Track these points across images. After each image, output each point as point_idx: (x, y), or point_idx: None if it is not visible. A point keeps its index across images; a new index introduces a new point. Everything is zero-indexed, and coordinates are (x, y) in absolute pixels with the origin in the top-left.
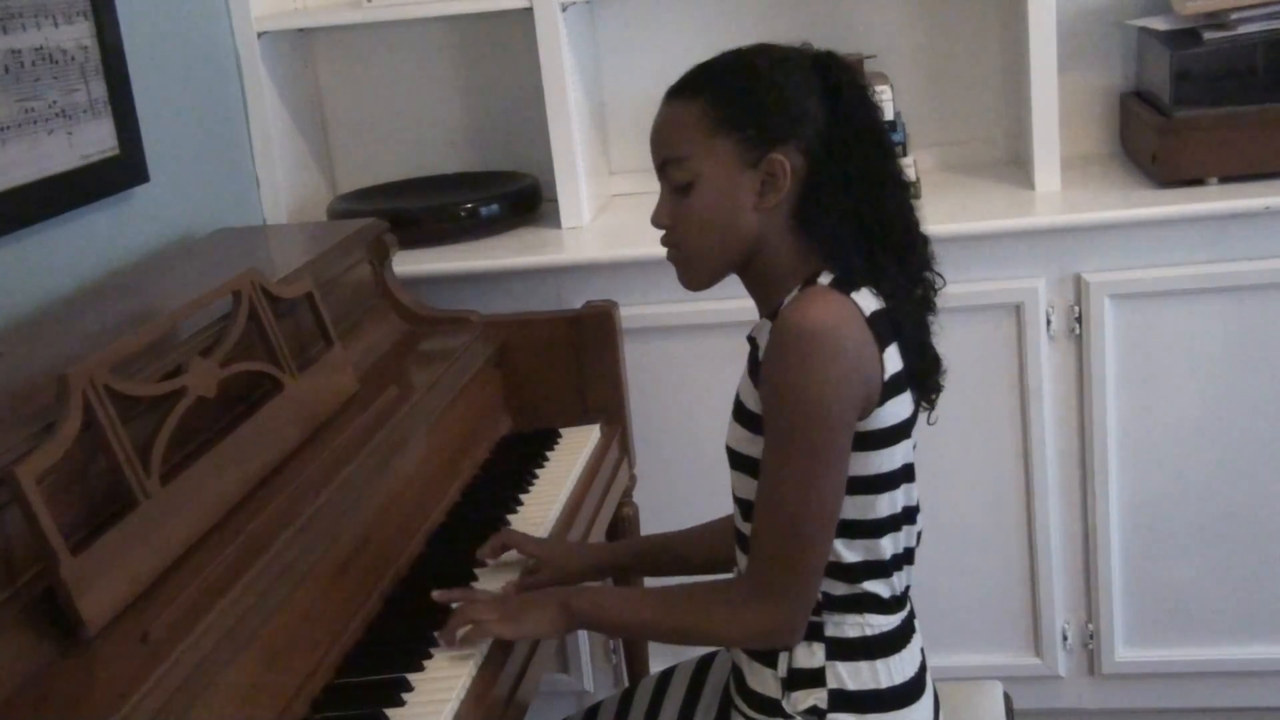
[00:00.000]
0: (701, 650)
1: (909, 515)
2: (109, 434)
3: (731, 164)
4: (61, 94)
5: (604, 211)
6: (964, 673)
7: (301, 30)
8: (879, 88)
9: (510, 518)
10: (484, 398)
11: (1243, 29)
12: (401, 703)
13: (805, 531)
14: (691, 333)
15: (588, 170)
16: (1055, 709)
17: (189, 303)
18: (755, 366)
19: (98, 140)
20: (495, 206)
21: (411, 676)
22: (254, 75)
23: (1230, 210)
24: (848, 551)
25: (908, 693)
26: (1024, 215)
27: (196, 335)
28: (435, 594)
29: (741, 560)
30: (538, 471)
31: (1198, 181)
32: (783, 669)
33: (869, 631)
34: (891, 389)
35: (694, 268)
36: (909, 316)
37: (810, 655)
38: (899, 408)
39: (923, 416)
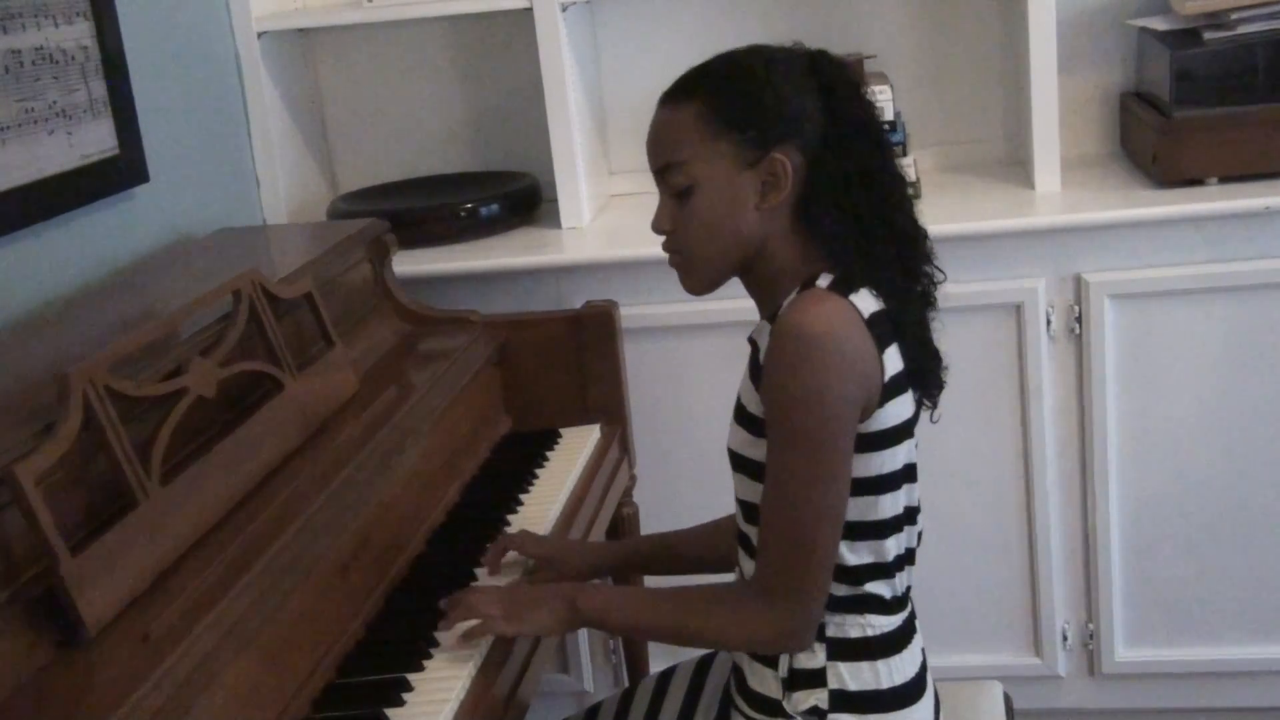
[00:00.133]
0: (701, 650)
1: (911, 516)
2: (109, 434)
3: (732, 166)
4: (61, 94)
5: (604, 211)
6: (964, 673)
7: (301, 30)
8: (879, 88)
9: (510, 518)
10: (484, 398)
11: (1243, 29)
12: (401, 703)
13: (812, 535)
14: (691, 333)
15: (588, 170)
16: (1055, 709)
17: (189, 303)
18: (756, 368)
19: (98, 140)
20: (495, 206)
21: (411, 676)
22: (254, 75)
23: (1230, 210)
24: (850, 553)
25: (908, 693)
26: (1024, 215)
27: (196, 335)
28: (444, 602)
29: (744, 562)
30: (538, 471)
31: (1198, 181)
32: (783, 669)
33: (870, 632)
34: (892, 390)
35: (697, 272)
36: (909, 314)
37: (811, 655)
38: (900, 408)
39: (925, 415)
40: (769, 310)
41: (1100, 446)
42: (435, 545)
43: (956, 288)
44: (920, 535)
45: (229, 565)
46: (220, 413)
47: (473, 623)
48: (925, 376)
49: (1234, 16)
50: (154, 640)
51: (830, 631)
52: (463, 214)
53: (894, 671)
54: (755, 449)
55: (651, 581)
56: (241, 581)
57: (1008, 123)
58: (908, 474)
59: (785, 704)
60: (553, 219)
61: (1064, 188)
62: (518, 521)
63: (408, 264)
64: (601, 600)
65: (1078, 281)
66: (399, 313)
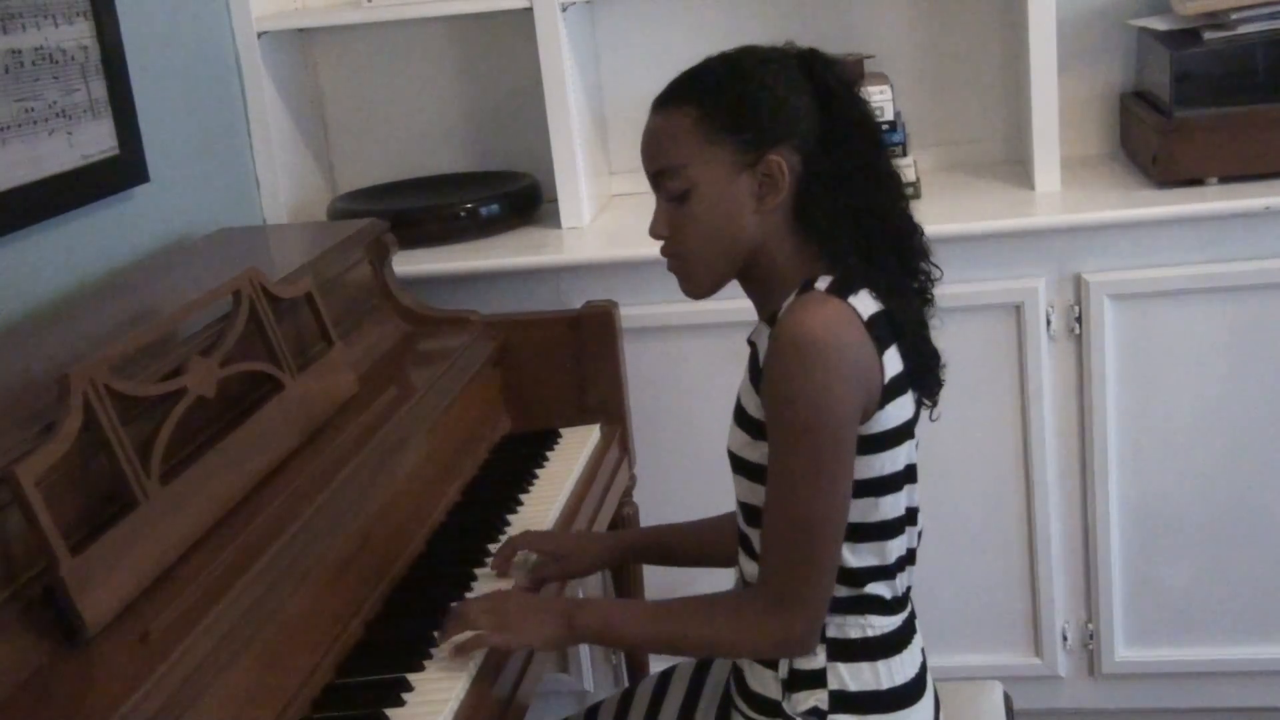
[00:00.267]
0: None
1: (912, 517)
2: (109, 434)
3: (728, 169)
4: (61, 94)
5: (604, 211)
6: (964, 673)
7: (301, 30)
8: (879, 88)
9: (510, 518)
10: (484, 398)
11: (1243, 29)
12: (401, 703)
13: (815, 541)
14: (691, 333)
15: (588, 170)
16: (1055, 709)
17: (189, 303)
18: (755, 370)
19: (98, 140)
20: (495, 206)
21: (411, 676)
22: (254, 75)
23: (1230, 210)
24: (852, 555)
25: (908, 693)
26: (1024, 215)
27: (196, 335)
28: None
29: (745, 563)
30: (538, 471)
31: (1198, 181)
32: (783, 670)
33: (870, 632)
34: (892, 391)
35: (696, 276)
36: (908, 314)
37: (811, 656)
38: (900, 410)
39: (925, 414)
40: (767, 312)
41: (1100, 446)
42: (435, 545)
43: (956, 288)
44: (920, 535)
45: (229, 565)
46: (220, 413)
47: (467, 634)
48: (925, 376)
49: (1234, 16)
50: (154, 640)
51: (830, 632)
52: (463, 214)
53: (894, 672)
54: (755, 451)
55: (653, 581)
56: (241, 581)
57: (1008, 123)
58: (909, 475)
59: (785, 705)
60: (553, 219)
61: (1064, 188)
62: (518, 521)
63: (408, 264)
64: (599, 615)
65: (1078, 281)
66: (399, 313)
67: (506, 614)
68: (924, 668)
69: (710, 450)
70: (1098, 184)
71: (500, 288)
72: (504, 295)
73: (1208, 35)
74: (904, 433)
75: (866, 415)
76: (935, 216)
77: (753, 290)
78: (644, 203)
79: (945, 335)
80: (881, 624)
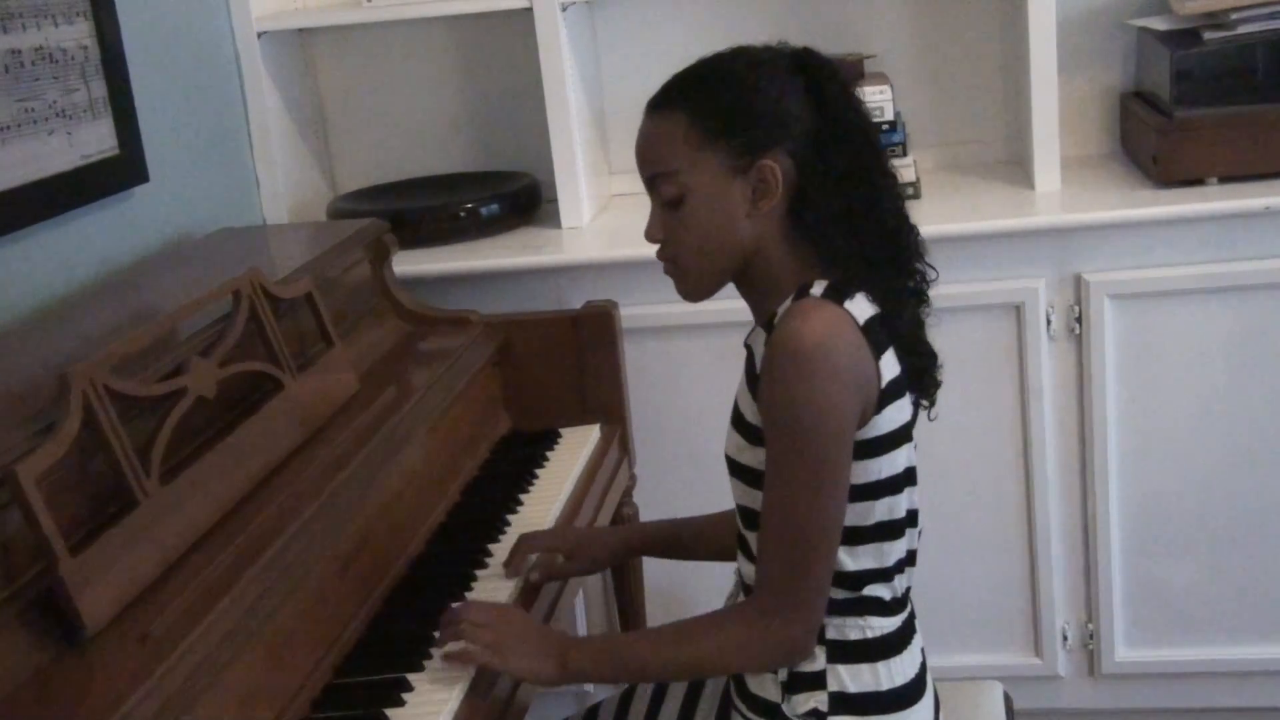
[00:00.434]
0: None
1: (912, 518)
2: (109, 434)
3: (721, 174)
4: (61, 94)
5: (604, 211)
6: (964, 673)
7: (301, 30)
8: (879, 88)
9: (510, 518)
10: (484, 398)
11: (1243, 29)
12: (401, 703)
13: (811, 549)
14: (691, 333)
15: (588, 170)
16: (1055, 709)
17: (189, 303)
18: (752, 375)
19: (98, 140)
20: (495, 206)
21: (411, 676)
22: (254, 75)
23: (1230, 210)
24: (850, 559)
25: (908, 694)
26: (1024, 215)
27: (196, 335)
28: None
29: (743, 565)
30: (538, 471)
31: (1198, 181)
32: (783, 673)
33: (870, 634)
34: (889, 395)
35: (691, 280)
36: (904, 316)
37: (811, 658)
38: (897, 413)
39: (924, 415)
40: (764, 316)
41: (1100, 446)
42: (435, 545)
43: (957, 288)
44: (919, 535)
45: (229, 565)
46: (220, 413)
47: (460, 646)
48: (922, 377)
49: (1234, 16)
50: (154, 640)
51: (830, 634)
52: (463, 214)
53: (894, 673)
54: (752, 456)
55: (652, 582)
56: (241, 581)
57: (1008, 123)
58: (908, 477)
59: (784, 707)
60: (553, 219)
61: (1064, 188)
62: (517, 521)
63: (408, 264)
64: (595, 655)
65: (1078, 281)
66: (399, 313)
67: (503, 636)
68: (924, 668)
69: (710, 450)
70: (1098, 184)
71: (500, 288)
72: (504, 295)
73: (1208, 35)
74: (902, 436)
75: (864, 420)
76: (935, 216)
77: (748, 294)
78: (644, 202)
79: (945, 335)
80: (881, 625)
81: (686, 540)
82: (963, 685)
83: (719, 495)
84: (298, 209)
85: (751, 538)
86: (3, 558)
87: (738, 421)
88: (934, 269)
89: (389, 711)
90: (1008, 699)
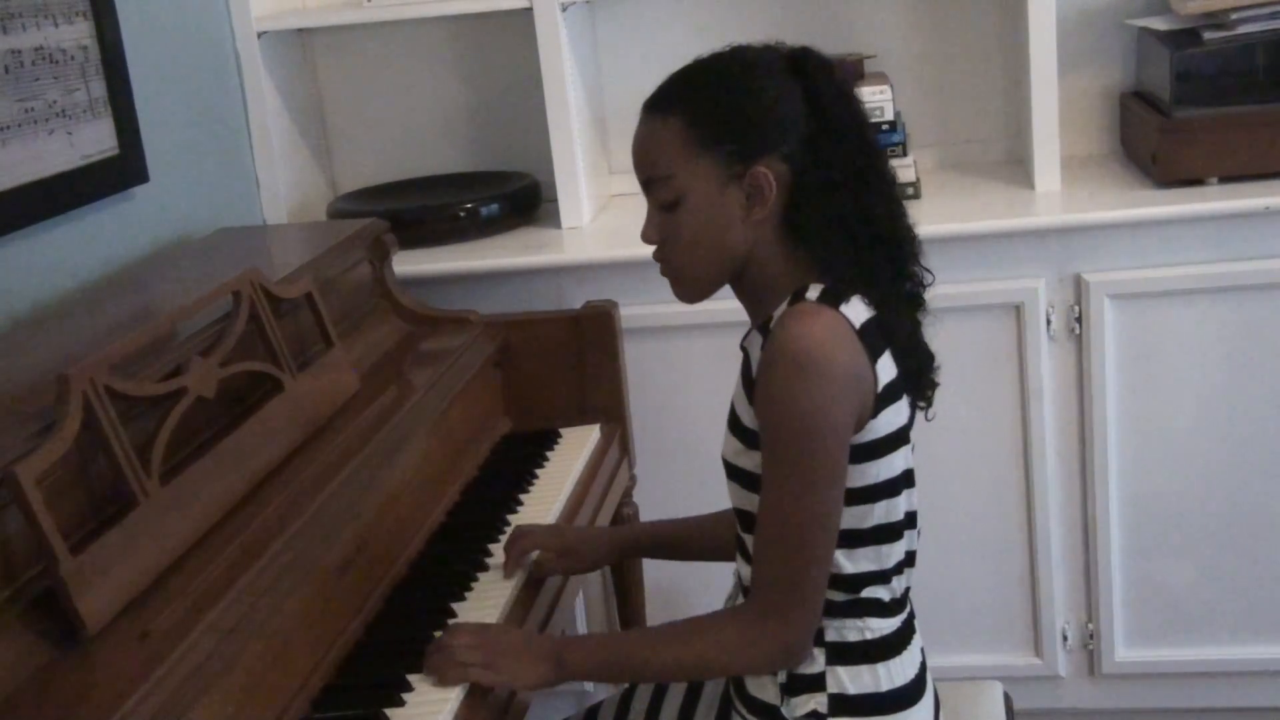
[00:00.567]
0: None
1: (911, 520)
2: (109, 434)
3: (715, 180)
4: (61, 94)
5: (604, 211)
6: (964, 673)
7: (301, 30)
8: (879, 88)
9: (510, 518)
10: (484, 398)
11: (1243, 29)
12: (401, 703)
13: (806, 551)
14: (691, 333)
15: (588, 170)
16: (1055, 709)
17: (189, 303)
18: (748, 378)
19: (98, 140)
20: (495, 206)
21: (411, 677)
22: (254, 75)
23: (1230, 210)
24: (848, 562)
25: (908, 695)
26: (1024, 215)
27: (196, 335)
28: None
29: (741, 567)
30: (538, 471)
31: (1198, 181)
32: (782, 675)
33: (869, 635)
34: (885, 399)
35: (687, 282)
36: (900, 319)
37: (810, 660)
38: (895, 416)
39: (922, 415)
40: (759, 319)
41: (1100, 446)
42: (435, 545)
43: (957, 288)
44: (917, 535)
45: (229, 565)
46: (220, 413)
47: (449, 668)
48: (919, 379)
49: (1234, 16)
50: (154, 640)
51: (829, 636)
52: (463, 214)
53: (893, 674)
54: (749, 459)
55: (652, 581)
56: (241, 581)
57: (1008, 123)
58: (906, 479)
59: (784, 709)
60: (553, 219)
61: (1064, 187)
62: (518, 521)
63: (408, 264)
64: (591, 654)
65: (1078, 281)
66: (399, 313)
67: (494, 651)
68: (923, 668)
69: (710, 451)
70: (1098, 184)
71: (500, 288)
72: (504, 295)
73: (1208, 35)
74: (899, 438)
75: (860, 424)
76: (935, 216)
77: (744, 297)
78: (643, 203)
79: (945, 335)
80: (880, 626)
81: (684, 541)
82: (963, 685)
83: (719, 495)
84: (298, 209)
85: (749, 540)
86: (3, 558)
87: (734, 425)
88: (930, 273)
89: (389, 711)
90: (1008, 699)
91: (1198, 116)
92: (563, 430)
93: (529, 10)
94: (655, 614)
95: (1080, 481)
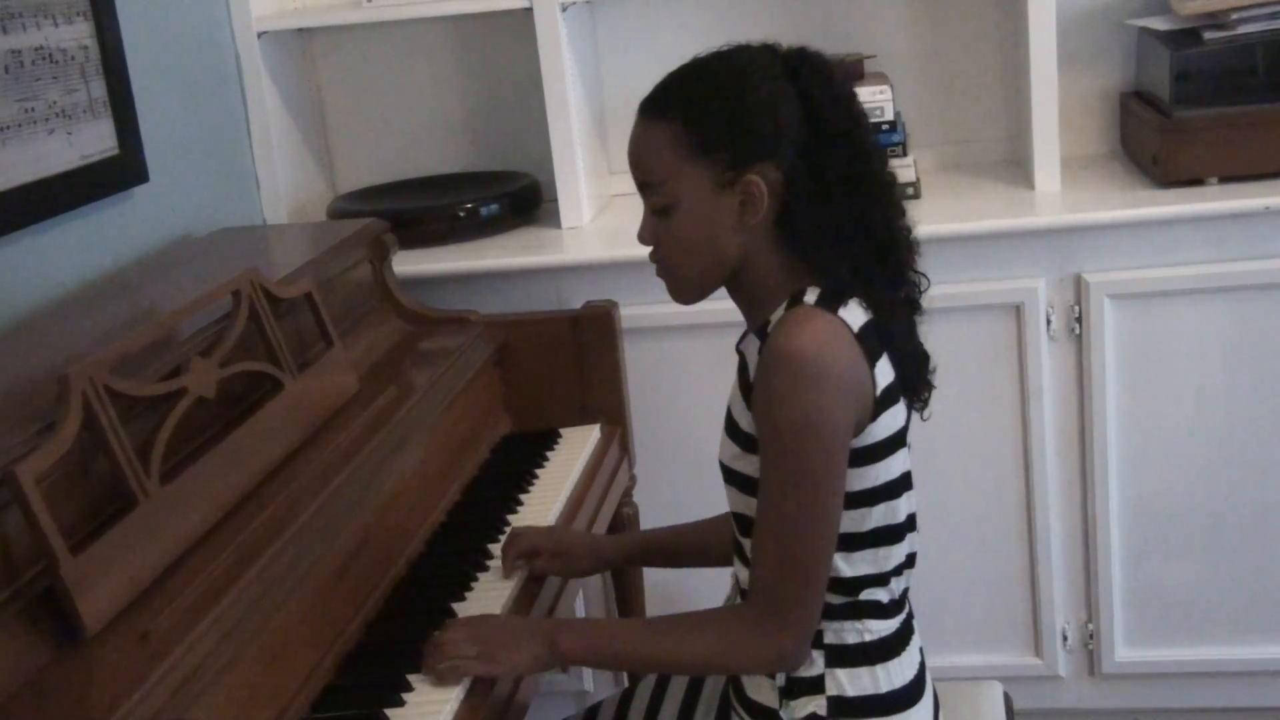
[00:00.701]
0: None
1: (911, 523)
2: (109, 434)
3: (708, 188)
4: (61, 94)
5: (604, 211)
6: (964, 673)
7: (301, 30)
8: (879, 88)
9: (510, 518)
10: (484, 398)
11: (1243, 29)
12: (401, 703)
13: (805, 556)
14: (691, 333)
15: (588, 170)
16: (1055, 709)
17: (189, 303)
18: (745, 382)
19: (98, 140)
20: (495, 206)
21: (412, 677)
22: (254, 75)
23: (1230, 210)
24: (846, 565)
25: (907, 696)
26: (1024, 215)
27: (196, 335)
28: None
29: (740, 571)
30: (538, 471)
31: (1198, 181)
32: (781, 678)
33: (868, 637)
34: (883, 402)
35: (681, 284)
36: (897, 321)
37: (809, 663)
38: (892, 419)
39: (919, 416)
40: (756, 322)
41: (1100, 446)
42: (435, 545)
43: (956, 288)
44: (916, 536)
45: (229, 565)
46: (220, 413)
47: (449, 664)
48: (916, 380)
49: (1234, 16)
50: (154, 640)
51: (828, 638)
52: (463, 214)
53: (892, 675)
54: (747, 463)
55: (651, 581)
56: (241, 581)
57: (1008, 123)
58: (905, 482)
59: (783, 712)
60: (553, 219)
61: (1064, 188)
62: (517, 521)
63: (408, 264)
64: (585, 636)
65: (1078, 281)
66: (399, 313)
67: (489, 641)
68: (923, 668)
69: (710, 451)
70: (1098, 184)
71: (500, 288)
72: (504, 295)
73: (1208, 35)
74: (897, 441)
75: (859, 428)
76: (935, 216)
77: (740, 300)
78: (643, 203)
79: (946, 335)
80: (879, 628)
81: (680, 548)
82: (963, 685)
83: (719, 496)
84: (298, 209)
85: (747, 544)
86: (3, 558)
87: (732, 429)
88: (926, 277)
89: (389, 711)
90: (1008, 699)
91: (1198, 116)
92: (563, 430)
93: (529, 10)
94: (655, 614)
95: (1080, 481)
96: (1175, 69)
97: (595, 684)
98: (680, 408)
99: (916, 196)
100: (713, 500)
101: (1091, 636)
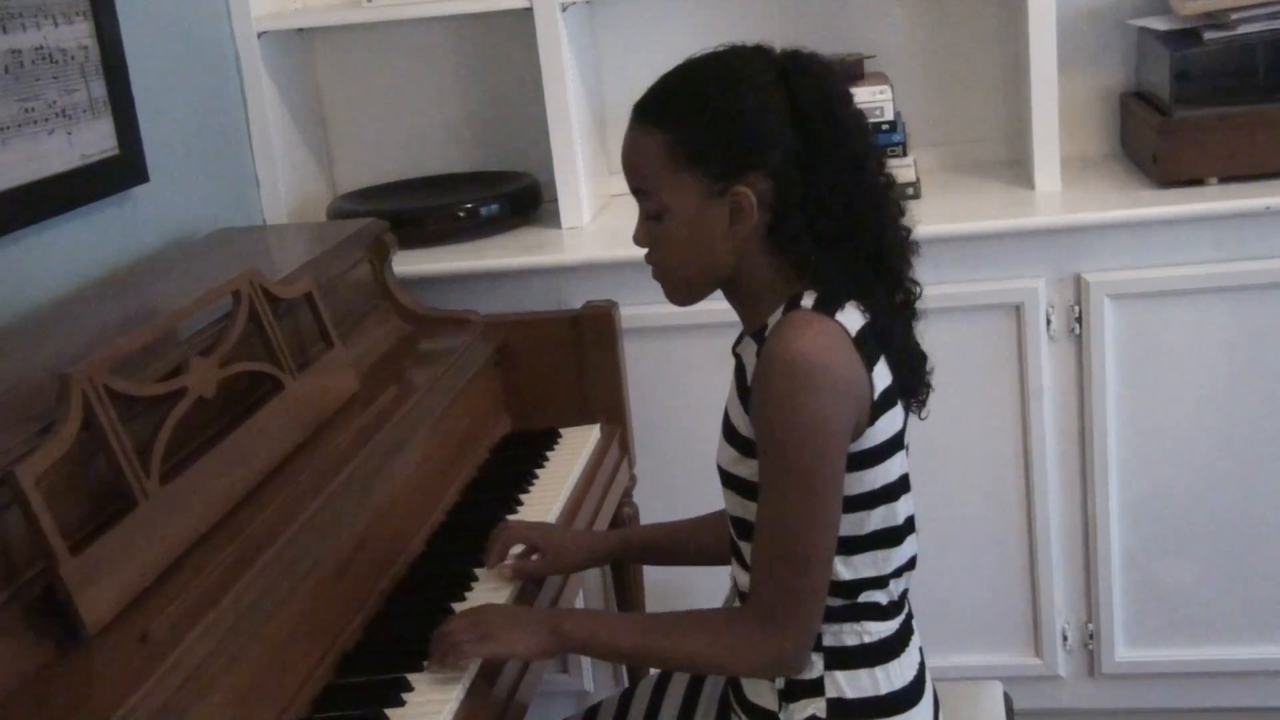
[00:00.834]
0: None
1: (910, 525)
2: (109, 434)
3: (698, 197)
4: (61, 94)
5: (604, 211)
6: (964, 673)
7: (301, 30)
8: (879, 88)
9: (510, 518)
10: (484, 398)
11: (1243, 29)
12: (401, 703)
13: (805, 562)
14: (691, 333)
15: (588, 170)
16: (1055, 709)
17: (189, 303)
18: (743, 385)
19: (98, 140)
20: (495, 206)
21: (411, 676)
22: (254, 75)
23: (1230, 210)
24: (845, 568)
25: (907, 697)
26: (1024, 215)
27: (196, 335)
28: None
29: (738, 574)
30: (538, 471)
31: (1198, 181)
32: (780, 680)
33: (867, 639)
34: (881, 406)
35: (675, 289)
36: (894, 325)
37: (808, 665)
38: (890, 422)
39: (922, 415)
40: (753, 325)
41: (1100, 446)
42: (435, 545)
43: (956, 288)
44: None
45: (229, 565)
46: (220, 413)
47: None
48: (913, 381)
49: (1234, 16)
50: (154, 640)
51: (827, 641)
52: (463, 214)
53: (892, 676)
54: (745, 468)
55: (651, 580)
56: (241, 581)
57: (1008, 123)
58: (903, 484)
59: (782, 715)
60: (553, 219)
61: (1064, 188)
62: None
63: (408, 264)
64: (587, 625)
65: (1078, 281)
66: (399, 313)
67: (491, 626)
68: (922, 668)
69: (710, 451)
70: (1098, 184)
71: (500, 288)
72: (504, 295)
73: (1208, 35)
74: (895, 444)
75: (857, 432)
76: (935, 216)
77: (736, 303)
78: None
79: (945, 335)
80: (878, 630)
81: (676, 546)
82: (963, 685)
83: (719, 496)
84: (298, 209)
85: (746, 548)
86: (3, 558)
87: (730, 434)
88: (919, 284)
89: (389, 711)
90: (1008, 699)
91: (1198, 116)
92: (563, 430)
93: (529, 10)
94: (654, 611)
95: (1080, 481)
96: (1175, 69)
97: (595, 684)
98: (680, 408)
99: (916, 196)
100: (713, 501)
101: (1091, 636)
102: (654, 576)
